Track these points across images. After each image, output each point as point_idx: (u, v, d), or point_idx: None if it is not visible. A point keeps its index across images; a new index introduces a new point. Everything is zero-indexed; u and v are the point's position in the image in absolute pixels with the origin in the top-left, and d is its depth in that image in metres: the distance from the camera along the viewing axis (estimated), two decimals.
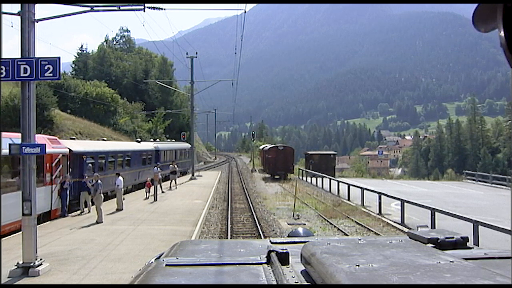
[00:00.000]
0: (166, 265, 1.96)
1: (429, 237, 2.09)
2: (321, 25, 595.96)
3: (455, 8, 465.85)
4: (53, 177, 16.82)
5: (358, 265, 1.56)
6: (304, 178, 38.04)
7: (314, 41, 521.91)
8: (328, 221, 17.69)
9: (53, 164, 16.81)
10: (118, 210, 18.67)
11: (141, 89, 61.31)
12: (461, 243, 2.11)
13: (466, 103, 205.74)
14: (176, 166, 29.93)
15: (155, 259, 2.24)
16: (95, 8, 10.59)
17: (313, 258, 1.75)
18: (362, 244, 1.99)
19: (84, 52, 66.23)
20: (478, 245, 6.27)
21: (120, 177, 18.99)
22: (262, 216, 18.97)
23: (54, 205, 16.87)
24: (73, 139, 22.87)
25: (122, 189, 19.19)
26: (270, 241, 2.45)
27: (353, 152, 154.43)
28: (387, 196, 19.16)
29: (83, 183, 18.22)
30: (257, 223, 17.14)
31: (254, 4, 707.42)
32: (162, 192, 22.49)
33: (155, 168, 24.12)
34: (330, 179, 29.50)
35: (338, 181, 27.36)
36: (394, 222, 17.00)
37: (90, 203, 18.01)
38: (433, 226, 13.88)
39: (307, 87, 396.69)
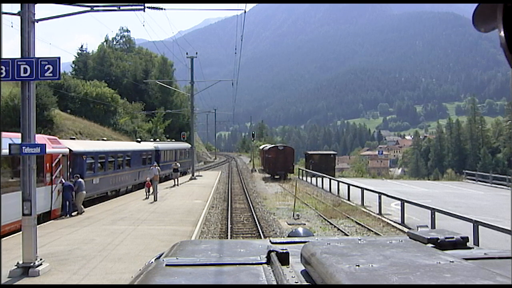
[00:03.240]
0: (166, 265, 1.96)
1: (429, 237, 2.09)
2: (321, 25, 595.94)
3: (455, 8, 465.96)
4: (53, 177, 16.82)
5: (358, 265, 1.56)
6: (304, 178, 38.04)
7: (314, 41, 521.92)
8: (328, 221, 17.69)
9: (53, 164, 16.82)
10: (78, 213, 17.65)
11: (141, 89, 61.33)
12: (461, 243, 2.11)
13: (466, 103, 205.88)
14: (178, 164, 30.84)
15: (155, 259, 2.24)
16: (95, 8, 10.59)
17: (313, 258, 1.75)
18: (362, 244, 1.99)
19: (84, 52, 66.29)
20: (478, 245, 6.27)
21: (81, 179, 18.00)
22: (262, 216, 18.97)
23: (54, 205, 16.87)
24: (73, 139, 22.87)
25: (84, 192, 18.28)
26: (270, 241, 2.45)
27: (353, 152, 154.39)
28: (387, 196, 19.15)
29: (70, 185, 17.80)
30: (257, 223, 17.14)
31: (254, 4, 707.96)
32: (149, 196, 22.46)
33: (153, 168, 23.91)
34: (330, 179, 29.49)
35: (338, 181, 27.35)
36: (394, 222, 17.00)
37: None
38: (433, 226, 13.88)
39: (307, 87, 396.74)
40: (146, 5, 11.10)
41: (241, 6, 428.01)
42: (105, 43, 71.17)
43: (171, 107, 58.58)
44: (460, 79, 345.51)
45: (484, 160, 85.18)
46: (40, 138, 14.18)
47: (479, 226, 11.84)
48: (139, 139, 35.66)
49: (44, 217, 15.94)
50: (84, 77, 56.65)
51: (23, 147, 9.16)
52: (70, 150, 18.71)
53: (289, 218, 18.44)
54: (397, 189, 28.66)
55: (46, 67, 9.17)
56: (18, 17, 9.55)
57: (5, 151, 9.67)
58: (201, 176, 38.41)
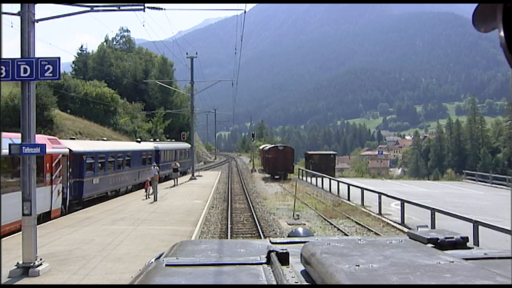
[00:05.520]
0: (166, 265, 1.96)
1: (429, 237, 2.09)
2: (321, 25, 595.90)
3: (455, 8, 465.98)
4: (53, 177, 16.82)
5: (358, 265, 1.56)
6: (304, 178, 38.03)
7: (314, 41, 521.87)
8: (328, 221, 17.69)
9: (53, 164, 16.82)
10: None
11: (141, 89, 61.33)
12: (461, 243, 2.11)
13: (466, 103, 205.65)
14: (178, 164, 30.95)
15: (155, 259, 2.24)
16: (95, 8, 10.58)
17: (313, 258, 1.74)
18: (362, 244, 1.99)
19: (84, 52, 66.30)
20: (478, 245, 6.27)
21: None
22: (262, 216, 18.97)
23: (54, 205, 16.87)
24: (73, 139, 22.88)
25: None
26: (270, 241, 2.45)
27: (353, 152, 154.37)
28: (387, 196, 19.15)
29: None
30: (257, 223, 17.14)
31: (254, 4, 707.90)
32: (149, 196, 22.50)
33: (153, 168, 23.82)
34: (330, 179, 29.48)
35: (338, 181, 27.35)
36: (394, 222, 17.00)
37: None
38: (433, 226, 13.88)
39: (307, 87, 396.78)
40: (146, 5, 11.09)
41: (241, 6, 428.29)
42: (105, 43, 71.18)
43: (171, 107, 58.57)
44: (460, 79, 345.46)
45: (484, 160, 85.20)
46: (40, 138, 14.17)
47: (479, 226, 11.84)
48: (139, 139, 35.65)
49: (44, 217, 15.94)
50: (84, 77, 56.64)
51: (23, 147, 9.16)
52: (70, 150, 18.71)
53: (289, 218, 18.44)
54: (397, 189, 28.66)
55: (46, 67, 9.16)
56: (18, 17, 9.54)
57: (5, 151, 9.66)
58: (201, 176, 38.42)
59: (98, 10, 10.65)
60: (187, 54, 36.83)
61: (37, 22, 9.74)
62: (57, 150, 17.33)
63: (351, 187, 23.91)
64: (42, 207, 15.25)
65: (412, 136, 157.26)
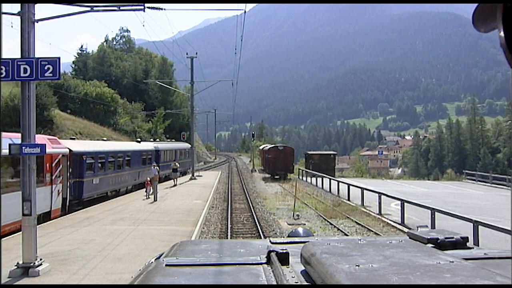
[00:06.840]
0: (166, 265, 1.96)
1: (429, 237, 2.09)
2: (321, 25, 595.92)
3: (455, 8, 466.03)
4: (53, 177, 16.82)
5: (358, 265, 1.56)
6: (304, 178, 38.03)
7: (314, 41, 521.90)
8: (328, 221, 17.69)
9: (53, 164, 16.81)
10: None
11: (141, 89, 61.33)
12: (461, 243, 2.11)
13: (466, 103, 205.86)
14: (177, 164, 30.98)
15: (155, 259, 2.24)
16: (95, 8, 10.58)
17: (313, 258, 1.74)
18: (362, 244, 1.99)
19: (84, 52, 66.34)
20: (478, 245, 6.26)
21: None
22: (262, 216, 18.97)
23: (54, 205, 16.86)
24: (73, 139, 22.87)
25: None
26: (270, 241, 2.45)
27: (353, 152, 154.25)
28: (387, 196, 19.15)
29: None
30: (257, 223, 17.14)
31: (254, 4, 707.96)
32: (149, 196, 22.54)
33: (153, 168, 23.76)
34: (330, 179, 29.49)
35: (338, 181, 27.35)
36: (394, 222, 17.00)
37: None
38: (433, 226, 13.88)
39: (307, 87, 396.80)
40: (146, 5, 11.09)
41: (241, 6, 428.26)
42: (105, 43, 71.22)
43: (171, 107, 58.59)
44: (460, 79, 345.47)
45: (484, 160, 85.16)
46: (40, 138, 14.16)
47: (479, 226, 11.84)
48: (139, 139, 35.65)
49: (44, 217, 15.94)
50: (84, 77, 56.66)
51: (23, 147, 9.16)
52: (70, 150, 18.71)
53: (289, 218, 18.44)
54: (397, 189, 28.66)
55: (46, 67, 9.16)
56: (18, 17, 9.53)
57: (5, 151, 9.66)
58: (201, 176, 38.41)
59: (98, 10, 10.66)
60: (187, 54, 36.84)
61: (37, 22, 9.74)
62: (57, 150, 17.32)
63: (351, 187, 23.92)
64: (42, 207, 15.25)
65: (412, 136, 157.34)
